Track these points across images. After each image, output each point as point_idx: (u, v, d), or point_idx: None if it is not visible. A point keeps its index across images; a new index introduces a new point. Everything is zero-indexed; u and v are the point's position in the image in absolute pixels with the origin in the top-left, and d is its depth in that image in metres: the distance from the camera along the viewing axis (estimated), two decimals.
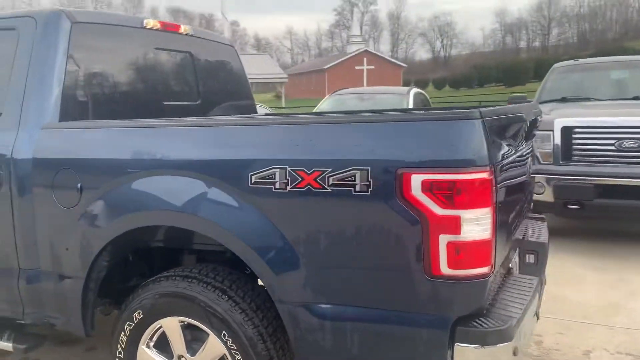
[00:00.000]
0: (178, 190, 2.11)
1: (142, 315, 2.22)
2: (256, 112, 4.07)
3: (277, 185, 1.91)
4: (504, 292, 2.11)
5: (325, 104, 8.37)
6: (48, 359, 3.19)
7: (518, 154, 2.32)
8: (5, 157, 2.46)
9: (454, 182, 1.70)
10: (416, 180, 1.72)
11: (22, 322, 2.60)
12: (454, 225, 1.71)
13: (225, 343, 2.06)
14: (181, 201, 2.10)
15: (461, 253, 1.73)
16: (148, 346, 2.26)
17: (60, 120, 2.49)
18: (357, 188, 1.79)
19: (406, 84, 44.63)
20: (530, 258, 2.85)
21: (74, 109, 2.59)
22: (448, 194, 1.70)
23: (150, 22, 3.14)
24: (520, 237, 2.70)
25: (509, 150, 2.09)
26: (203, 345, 2.14)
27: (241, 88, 3.94)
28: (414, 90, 8.36)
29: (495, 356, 1.77)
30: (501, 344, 1.76)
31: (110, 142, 2.36)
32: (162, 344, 2.25)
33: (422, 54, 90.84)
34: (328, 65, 52.59)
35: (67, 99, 2.54)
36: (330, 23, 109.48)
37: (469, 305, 1.81)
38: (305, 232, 1.92)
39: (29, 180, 2.40)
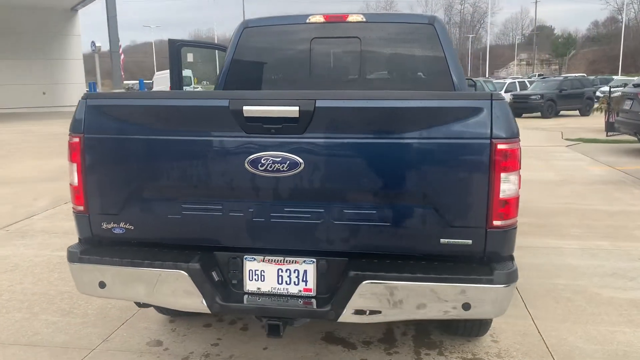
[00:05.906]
0: None
1: None
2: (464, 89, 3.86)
3: None
4: None
5: None
6: None
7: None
8: None
9: None
10: None
11: None
12: None
13: None
14: None
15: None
16: None
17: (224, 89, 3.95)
18: None
19: None
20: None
21: (233, 83, 3.99)
22: None
23: (313, 18, 3.99)
24: None
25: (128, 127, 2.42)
26: None
27: (426, 62, 4.04)
28: None
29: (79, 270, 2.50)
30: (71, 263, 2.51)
31: None
32: None
33: None
34: None
35: (230, 77, 4.03)
36: None
37: (81, 232, 2.55)
38: None
39: None
